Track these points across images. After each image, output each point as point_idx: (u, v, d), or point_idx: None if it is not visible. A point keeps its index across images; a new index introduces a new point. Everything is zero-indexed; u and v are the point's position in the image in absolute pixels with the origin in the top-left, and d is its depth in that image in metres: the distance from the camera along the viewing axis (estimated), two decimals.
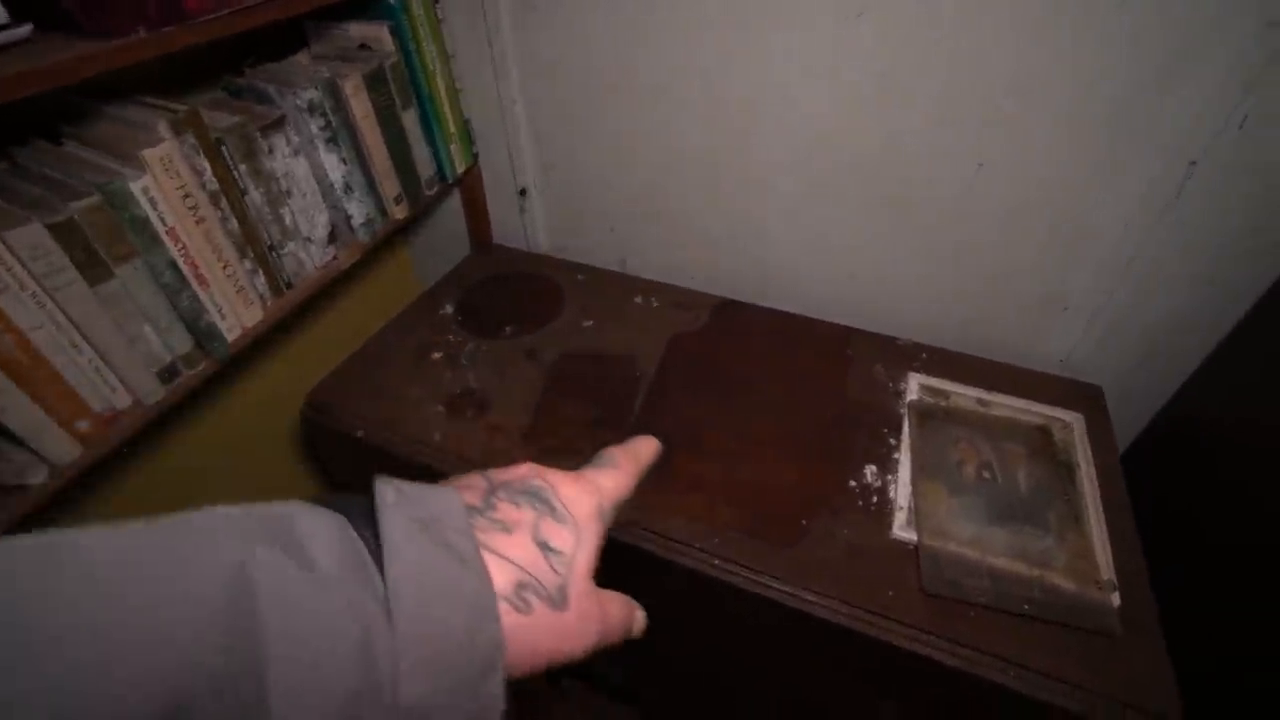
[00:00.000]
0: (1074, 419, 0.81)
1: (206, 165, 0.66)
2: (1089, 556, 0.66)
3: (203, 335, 0.70)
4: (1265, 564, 0.63)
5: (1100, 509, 0.70)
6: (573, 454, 0.78)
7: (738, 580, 0.66)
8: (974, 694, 0.61)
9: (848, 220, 0.91)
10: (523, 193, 1.09)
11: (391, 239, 1.21)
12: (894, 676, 0.65)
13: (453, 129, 1.01)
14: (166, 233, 0.63)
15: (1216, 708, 0.63)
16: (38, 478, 0.59)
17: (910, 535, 0.69)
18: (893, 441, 0.79)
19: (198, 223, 0.66)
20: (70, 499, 0.78)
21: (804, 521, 0.70)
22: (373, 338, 0.96)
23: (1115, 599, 0.63)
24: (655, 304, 1.01)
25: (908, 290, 0.94)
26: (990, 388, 0.84)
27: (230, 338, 0.74)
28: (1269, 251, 0.72)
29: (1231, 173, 0.69)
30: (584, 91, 0.94)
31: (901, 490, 0.73)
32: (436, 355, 0.92)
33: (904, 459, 0.76)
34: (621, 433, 0.80)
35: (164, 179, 0.62)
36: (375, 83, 0.84)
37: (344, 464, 0.96)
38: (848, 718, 0.76)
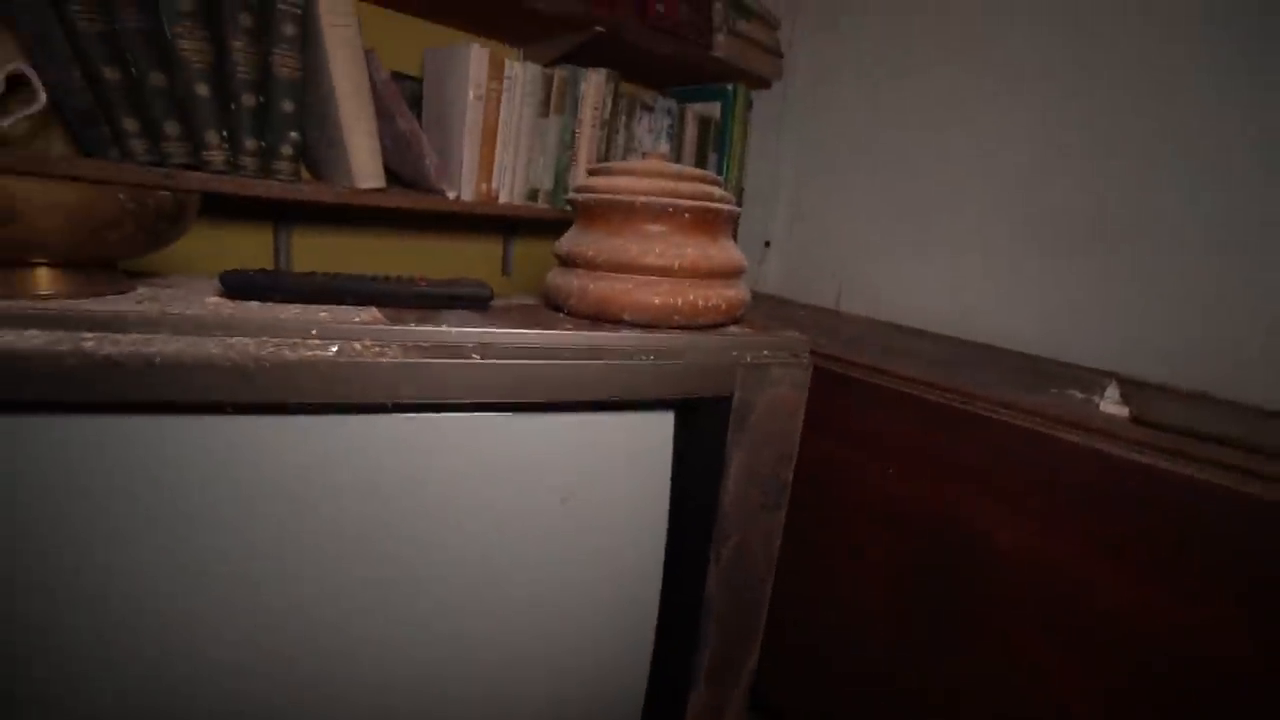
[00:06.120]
0: None
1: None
2: None
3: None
4: None
5: None
6: None
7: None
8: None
9: (1051, 264, 1.06)
10: (767, 244, 1.41)
11: None
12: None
13: (731, 182, 1.41)
14: None
15: None
16: None
17: (1120, 410, 0.70)
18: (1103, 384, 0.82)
19: None
20: None
21: None
22: None
23: None
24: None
25: (1100, 322, 1.00)
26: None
27: None
28: None
29: None
30: (835, 161, 1.30)
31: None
32: None
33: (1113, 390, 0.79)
34: None
35: None
36: (703, 128, 1.28)
37: None
38: None
